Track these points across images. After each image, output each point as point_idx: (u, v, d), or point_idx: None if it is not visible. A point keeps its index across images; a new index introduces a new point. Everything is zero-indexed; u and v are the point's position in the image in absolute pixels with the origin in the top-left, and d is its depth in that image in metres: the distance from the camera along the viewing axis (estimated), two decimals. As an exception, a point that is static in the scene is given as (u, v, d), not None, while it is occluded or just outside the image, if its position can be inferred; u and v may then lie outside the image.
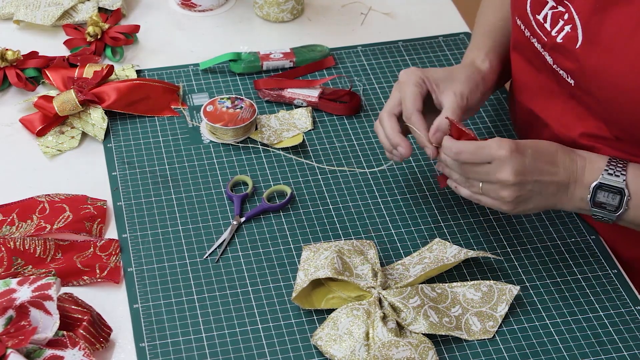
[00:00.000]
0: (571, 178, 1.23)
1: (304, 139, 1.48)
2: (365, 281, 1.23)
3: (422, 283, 1.25)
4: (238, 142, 1.46)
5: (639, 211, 1.22)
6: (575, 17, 1.24)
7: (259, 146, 1.47)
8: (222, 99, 1.49)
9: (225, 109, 1.47)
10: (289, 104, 1.55)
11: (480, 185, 1.22)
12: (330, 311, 1.23)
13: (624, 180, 1.21)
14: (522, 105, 1.40)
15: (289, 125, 1.50)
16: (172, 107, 1.53)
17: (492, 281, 1.26)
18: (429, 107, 1.32)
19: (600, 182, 1.21)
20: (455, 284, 1.26)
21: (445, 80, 1.33)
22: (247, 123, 1.46)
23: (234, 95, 1.50)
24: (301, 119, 1.51)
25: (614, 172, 1.22)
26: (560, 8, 1.27)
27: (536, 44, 1.32)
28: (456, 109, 1.29)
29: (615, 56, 1.20)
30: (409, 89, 1.30)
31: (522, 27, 1.34)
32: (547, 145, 1.24)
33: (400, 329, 1.20)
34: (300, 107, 1.53)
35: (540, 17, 1.29)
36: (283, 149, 1.46)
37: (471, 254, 1.26)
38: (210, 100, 1.49)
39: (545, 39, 1.29)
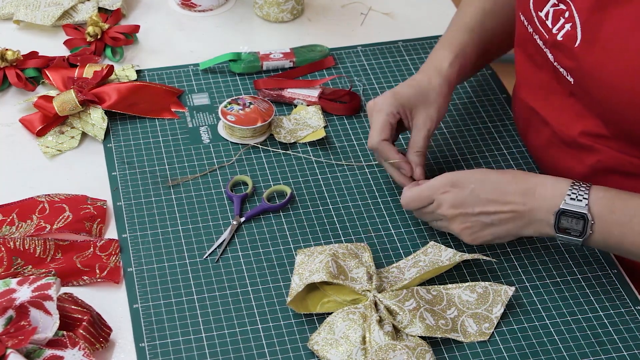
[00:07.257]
0: (529, 205, 1.23)
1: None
2: (360, 284, 1.23)
3: (417, 285, 1.25)
4: (258, 143, 1.47)
5: (606, 234, 1.21)
6: (576, 15, 1.24)
7: (259, 146, 1.47)
8: (229, 104, 1.48)
9: (239, 111, 1.47)
10: (289, 104, 1.55)
11: (435, 224, 1.30)
12: (328, 313, 1.23)
13: (586, 204, 1.20)
14: (522, 103, 1.40)
15: (303, 125, 1.49)
16: (173, 110, 1.53)
17: (487, 282, 1.25)
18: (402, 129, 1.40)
19: (562, 209, 1.21)
20: (450, 285, 1.25)
21: (417, 105, 1.36)
22: (272, 116, 1.47)
23: (242, 96, 1.50)
24: (313, 118, 1.50)
25: (577, 196, 1.21)
26: (562, 6, 1.27)
27: (538, 41, 1.32)
28: (423, 140, 1.35)
29: (612, 56, 1.20)
30: (380, 118, 1.35)
31: (526, 23, 1.34)
32: (497, 175, 1.26)
33: (397, 332, 1.20)
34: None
35: (542, 14, 1.29)
36: (283, 149, 1.46)
37: (466, 256, 1.26)
38: (221, 110, 1.47)
39: (547, 36, 1.29)
